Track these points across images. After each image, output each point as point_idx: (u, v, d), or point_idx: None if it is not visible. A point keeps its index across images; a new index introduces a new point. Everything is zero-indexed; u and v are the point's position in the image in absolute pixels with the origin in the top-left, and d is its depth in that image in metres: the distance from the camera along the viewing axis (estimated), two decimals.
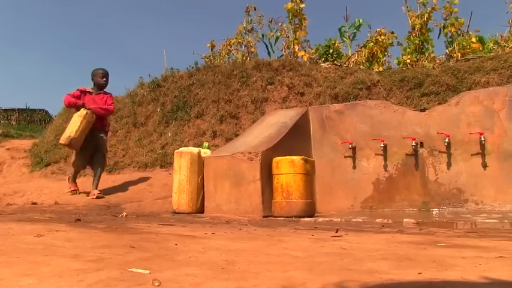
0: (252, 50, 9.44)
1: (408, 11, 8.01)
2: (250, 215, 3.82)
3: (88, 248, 1.68)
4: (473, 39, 7.43)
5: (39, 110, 19.26)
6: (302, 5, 8.66)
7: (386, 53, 8.21)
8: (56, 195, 5.73)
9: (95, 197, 5.11)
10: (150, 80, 8.68)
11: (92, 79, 5.72)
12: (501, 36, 8.43)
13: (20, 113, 18.52)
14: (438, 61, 7.32)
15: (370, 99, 5.89)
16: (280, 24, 9.17)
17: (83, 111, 5.27)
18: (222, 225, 2.97)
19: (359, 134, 4.61)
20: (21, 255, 1.49)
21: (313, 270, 1.26)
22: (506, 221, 2.88)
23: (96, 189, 5.33)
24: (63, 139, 5.20)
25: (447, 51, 7.69)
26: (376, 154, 4.50)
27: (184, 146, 5.67)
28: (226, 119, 6.91)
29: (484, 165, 4.06)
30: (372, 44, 7.83)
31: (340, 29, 9.18)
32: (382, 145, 4.40)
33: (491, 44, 7.99)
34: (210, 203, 4.15)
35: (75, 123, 5.21)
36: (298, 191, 3.72)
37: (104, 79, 5.74)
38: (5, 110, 18.42)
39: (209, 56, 10.17)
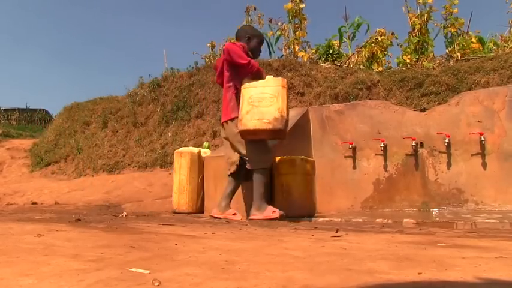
0: None
1: (408, 11, 8.01)
2: None
3: (88, 248, 1.68)
4: (473, 40, 7.43)
5: (40, 109, 19.29)
6: (302, 5, 8.66)
7: (386, 53, 8.21)
8: (56, 195, 5.73)
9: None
10: (150, 80, 8.70)
11: (249, 39, 3.59)
12: (501, 37, 8.43)
13: (20, 113, 18.54)
14: (438, 61, 7.32)
15: (370, 99, 5.89)
16: (280, 24, 9.17)
17: (284, 80, 3.29)
18: (222, 225, 2.97)
19: (359, 134, 4.61)
20: (21, 254, 1.49)
21: (313, 270, 1.26)
22: (506, 221, 2.88)
23: None
24: (275, 122, 3.07)
25: (447, 51, 7.69)
26: (376, 154, 4.50)
27: (185, 146, 5.67)
28: None
29: (484, 166, 4.06)
30: (372, 44, 7.83)
31: (339, 29, 9.18)
32: (382, 145, 4.40)
33: (491, 44, 8.00)
34: (210, 203, 4.15)
35: (283, 97, 3.18)
36: (298, 191, 3.71)
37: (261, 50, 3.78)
38: (5, 110, 18.45)
39: (209, 56, 10.17)
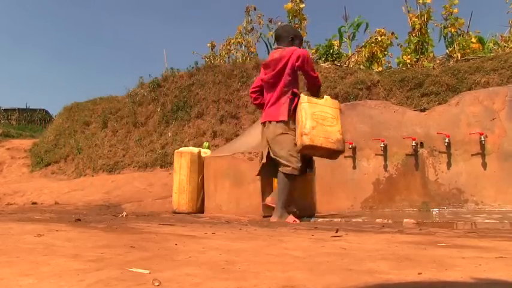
0: (252, 50, 9.44)
1: (408, 11, 8.01)
2: (250, 215, 3.82)
3: (88, 248, 1.68)
4: (473, 40, 7.43)
5: (40, 109, 19.28)
6: (302, 5, 8.67)
7: (386, 53, 8.21)
8: (56, 195, 5.73)
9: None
10: (150, 80, 8.70)
11: (292, 39, 3.52)
12: (501, 37, 8.43)
13: (20, 113, 18.54)
14: (438, 61, 7.32)
15: (370, 99, 5.89)
16: (280, 24, 9.16)
17: (339, 103, 3.50)
18: (222, 225, 2.97)
19: (359, 134, 4.61)
20: (21, 254, 1.49)
21: (314, 270, 1.26)
22: (506, 221, 2.88)
23: None
24: (339, 143, 3.23)
25: (447, 51, 7.70)
26: (376, 154, 4.50)
27: (185, 146, 5.68)
28: (227, 119, 6.91)
29: (484, 166, 4.06)
30: (372, 44, 7.83)
31: (339, 29, 9.18)
32: (382, 145, 4.40)
33: (491, 44, 8.00)
34: (210, 203, 4.15)
35: (338, 117, 3.34)
36: (298, 191, 3.71)
37: None
38: (5, 110, 18.45)
39: (209, 56, 10.18)
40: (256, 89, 3.61)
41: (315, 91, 3.39)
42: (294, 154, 3.22)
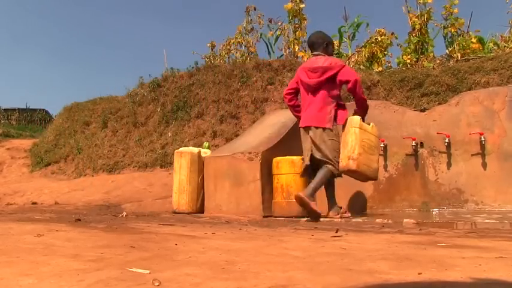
0: (252, 50, 9.44)
1: (408, 11, 8.01)
2: (250, 215, 3.82)
3: (88, 248, 1.68)
4: (473, 40, 7.43)
5: (40, 109, 19.27)
6: (302, 5, 8.66)
7: (386, 53, 8.21)
8: (56, 195, 5.73)
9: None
10: (150, 79, 8.69)
11: (327, 46, 3.80)
12: (501, 37, 8.43)
13: (20, 113, 18.53)
14: (438, 61, 7.31)
15: (370, 99, 5.87)
16: (280, 23, 9.17)
17: (377, 130, 3.77)
18: (222, 225, 2.97)
19: None
20: (21, 254, 1.49)
21: (314, 270, 1.26)
22: (506, 221, 2.88)
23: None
24: (376, 173, 3.65)
25: (447, 51, 7.69)
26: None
27: (185, 146, 5.67)
28: (227, 119, 6.91)
29: (484, 166, 4.06)
30: (372, 44, 7.82)
31: (339, 29, 9.18)
32: (382, 145, 4.40)
33: (491, 45, 7.99)
34: (210, 203, 4.15)
35: (378, 147, 3.84)
36: (299, 191, 3.71)
37: None
38: (5, 110, 18.43)
39: (209, 56, 10.17)
40: (292, 90, 3.86)
41: (363, 112, 3.68)
42: (338, 159, 3.55)
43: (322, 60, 3.65)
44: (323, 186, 3.60)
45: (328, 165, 3.55)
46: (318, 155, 3.58)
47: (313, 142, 3.60)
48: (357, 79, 3.56)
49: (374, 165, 3.57)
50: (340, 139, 3.58)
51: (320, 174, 3.53)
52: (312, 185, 3.51)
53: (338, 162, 3.54)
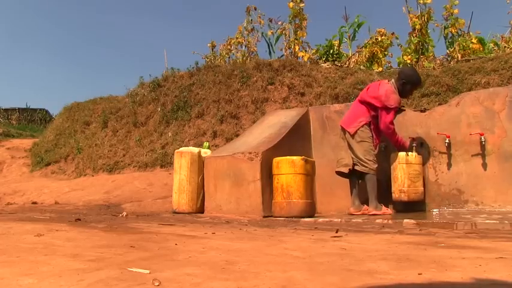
0: (253, 49, 9.43)
1: (408, 12, 8.00)
2: (250, 215, 3.82)
3: (88, 248, 1.68)
4: (474, 40, 7.42)
5: (40, 109, 19.28)
6: (302, 5, 8.66)
7: (386, 53, 8.20)
8: (56, 194, 5.73)
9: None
10: (150, 79, 8.69)
11: (404, 84, 4.07)
12: (502, 37, 8.42)
13: (20, 113, 18.54)
14: (438, 62, 7.31)
15: None
16: (280, 23, 9.16)
17: (420, 157, 4.16)
18: (222, 225, 2.97)
19: None
20: (21, 254, 1.49)
21: (313, 271, 1.26)
22: (506, 221, 2.88)
23: None
24: (421, 195, 4.06)
25: (448, 51, 7.68)
26: (376, 154, 4.48)
27: (185, 146, 5.67)
28: (227, 119, 6.91)
29: (484, 166, 4.06)
30: (372, 44, 7.82)
31: (340, 29, 9.17)
32: (382, 145, 4.39)
33: (492, 45, 7.99)
34: (210, 203, 4.15)
35: (421, 172, 4.10)
36: (299, 191, 3.72)
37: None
38: (6, 110, 18.44)
39: (209, 56, 10.17)
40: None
41: (402, 148, 4.06)
42: (373, 158, 3.97)
43: (379, 88, 4.04)
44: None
45: (369, 174, 3.98)
46: (356, 157, 4.10)
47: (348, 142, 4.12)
48: (386, 122, 3.96)
49: (419, 190, 4.01)
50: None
51: (368, 186, 4.00)
52: (371, 195, 3.99)
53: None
